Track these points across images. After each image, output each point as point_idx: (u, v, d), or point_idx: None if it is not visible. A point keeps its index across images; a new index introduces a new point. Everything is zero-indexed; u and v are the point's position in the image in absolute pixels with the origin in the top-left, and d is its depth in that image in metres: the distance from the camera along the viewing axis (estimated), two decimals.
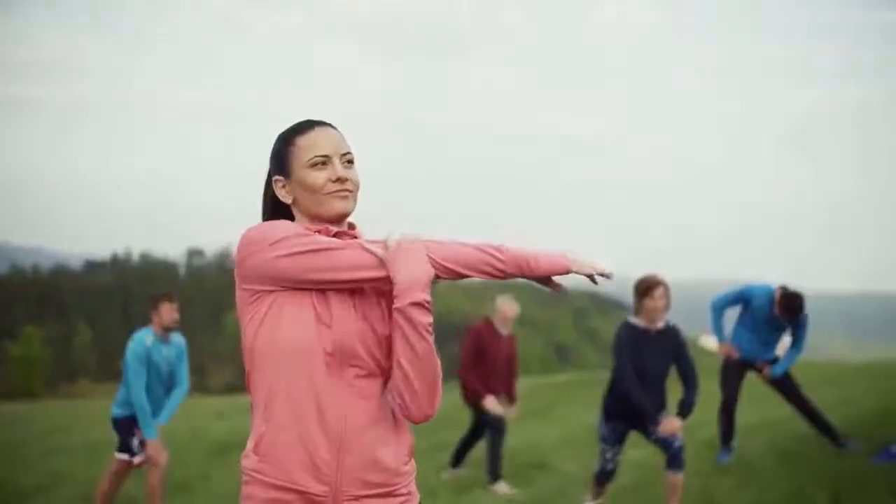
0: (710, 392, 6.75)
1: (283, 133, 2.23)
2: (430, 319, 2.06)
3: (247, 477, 2.12)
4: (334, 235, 2.16)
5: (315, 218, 2.18)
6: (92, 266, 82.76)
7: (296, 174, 2.16)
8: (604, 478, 5.73)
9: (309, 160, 2.15)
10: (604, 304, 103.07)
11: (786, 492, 6.04)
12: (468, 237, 2.17)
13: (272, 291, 2.08)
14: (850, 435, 7.09)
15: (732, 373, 7.13)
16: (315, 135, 2.17)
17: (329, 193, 2.14)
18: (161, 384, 6.29)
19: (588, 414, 10.76)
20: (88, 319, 67.60)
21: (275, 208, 2.24)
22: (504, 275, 2.15)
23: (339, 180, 2.14)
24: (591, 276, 2.19)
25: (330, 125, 2.22)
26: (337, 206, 2.15)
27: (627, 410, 5.45)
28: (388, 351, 2.13)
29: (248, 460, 2.13)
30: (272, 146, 2.25)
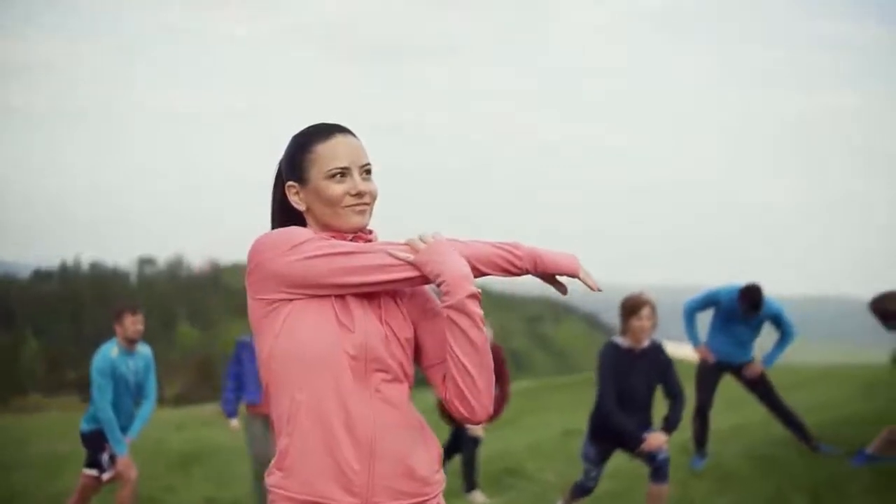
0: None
1: (300, 136, 2.14)
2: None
3: (272, 495, 2.04)
4: (351, 240, 2.09)
5: (329, 229, 2.10)
6: (40, 275, 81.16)
7: (312, 183, 2.08)
8: (582, 492, 5.68)
9: (328, 171, 2.07)
10: (558, 311, 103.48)
11: (764, 496, 6.05)
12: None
13: (290, 300, 2.00)
14: (821, 439, 7.13)
15: (708, 376, 7.14)
16: (335, 143, 2.09)
17: (347, 207, 2.07)
18: (129, 397, 6.14)
19: (555, 420, 10.71)
20: (37, 330, 66.31)
21: (285, 214, 2.16)
22: (519, 272, 2.12)
23: (359, 194, 2.07)
24: (584, 284, 2.17)
25: (349, 132, 2.13)
26: (353, 220, 2.08)
27: (613, 431, 5.38)
28: (411, 355, 2.08)
29: (273, 477, 2.04)
30: (287, 148, 2.16)
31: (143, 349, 6.23)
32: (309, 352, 1.98)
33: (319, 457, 1.97)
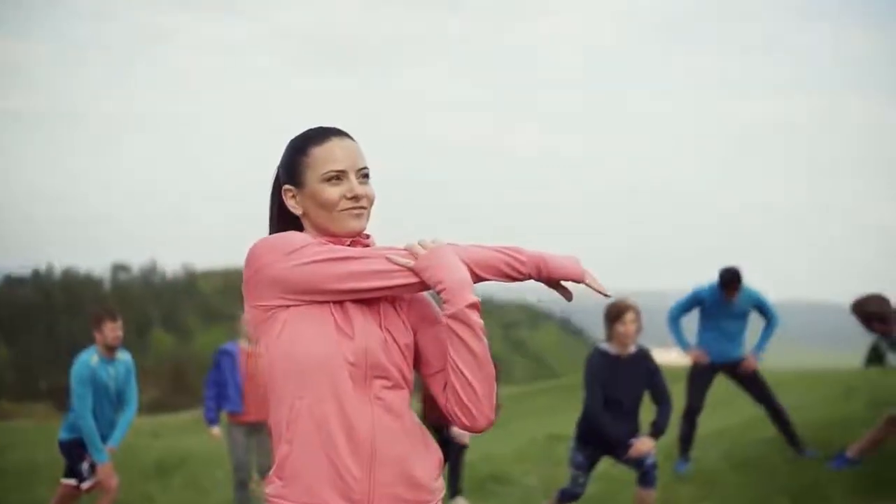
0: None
1: (297, 140, 2.11)
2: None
3: None
4: (349, 245, 2.06)
5: (326, 233, 2.07)
6: (12, 282, 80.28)
7: (309, 187, 2.06)
8: (569, 498, 5.66)
9: (324, 174, 2.04)
10: (535, 316, 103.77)
11: (747, 500, 6.08)
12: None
13: (288, 307, 1.97)
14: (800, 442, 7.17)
15: (700, 379, 7.15)
16: (332, 146, 2.06)
17: (343, 210, 2.04)
18: (110, 405, 6.05)
19: (539, 425, 10.70)
20: (8, 337, 65.58)
21: (283, 218, 2.13)
22: (522, 277, 2.07)
23: (355, 198, 2.04)
24: (591, 289, 2.14)
25: (346, 135, 2.10)
26: (350, 224, 2.05)
27: (601, 438, 5.37)
28: (410, 362, 2.06)
29: (272, 486, 2.00)
30: (284, 152, 2.14)
31: (124, 356, 6.14)
32: (308, 359, 1.95)
33: (320, 464, 1.94)
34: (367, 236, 2.13)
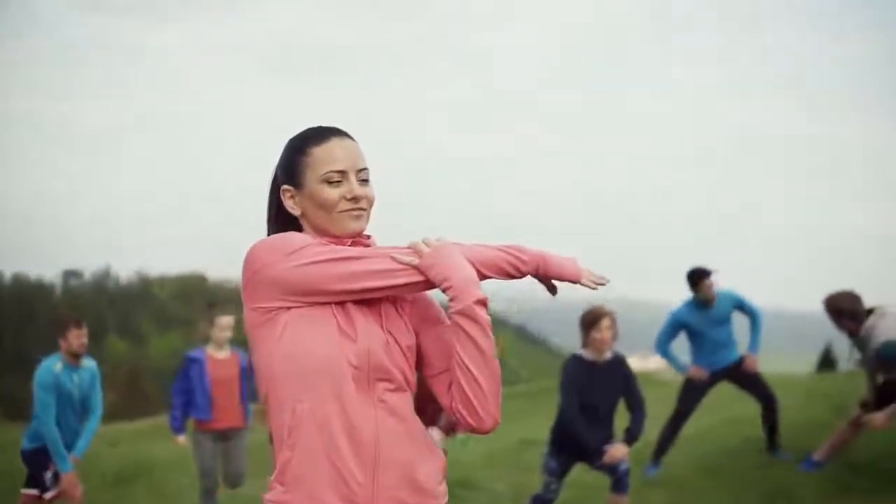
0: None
1: (295, 139, 2.07)
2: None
3: None
4: (350, 245, 2.03)
5: (325, 234, 2.04)
6: None
7: (308, 187, 2.02)
8: (542, 503, 5.65)
9: (323, 174, 2.01)
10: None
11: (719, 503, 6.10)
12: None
13: (288, 308, 1.93)
14: (763, 447, 7.23)
15: (695, 389, 7.15)
16: (331, 146, 2.03)
17: (343, 211, 2.01)
18: (73, 413, 5.94)
19: (508, 431, 10.68)
20: None
21: (281, 219, 2.10)
22: (523, 275, 2.07)
23: (354, 199, 2.01)
24: (587, 287, 2.13)
25: (347, 135, 2.07)
26: (350, 225, 2.03)
27: (575, 445, 5.36)
28: (413, 363, 2.03)
29: (273, 492, 1.96)
30: (282, 151, 2.10)
31: (88, 363, 6.05)
32: (310, 361, 1.91)
33: (323, 468, 1.90)
34: (368, 237, 2.09)
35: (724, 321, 7.06)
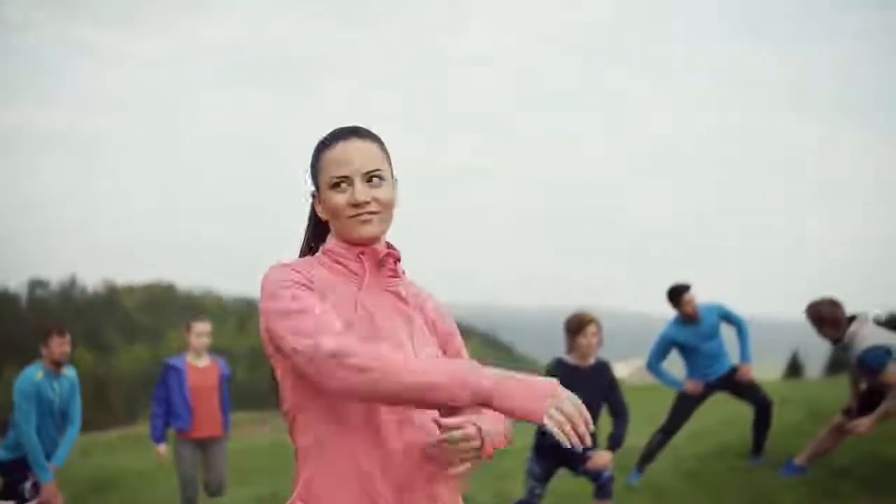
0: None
1: (317, 143, 2.02)
2: None
3: None
4: (380, 261, 1.98)
5: (346, 240, 1.99)
6: None
7: (322, 193, 1.98)
8: None
9: (329, 180, 1.95)
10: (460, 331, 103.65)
11: None
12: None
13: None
14: (742, 452, 7.30)
15: (688, 402, 7.17)
16: (338, 151, 1.96)
17: (349, 218, 1.94)
18: (54, 422, 5.87)
19: None
20: None
21: (317, 224, 2.07)
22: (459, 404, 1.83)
23: (357, 205, 1.93)
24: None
25: (359, 134, 1.99)
26: (358, 231, 1.95)
27: (558, 449, 5.39)
28: None
29: None
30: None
31: (69, 371, 5.99)
32: None
33: (348, 487, 1.86)
34: (389, 245, 2.04)
35: (714, 334, 7.08)
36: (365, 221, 1.94)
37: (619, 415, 5.46)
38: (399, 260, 2.03)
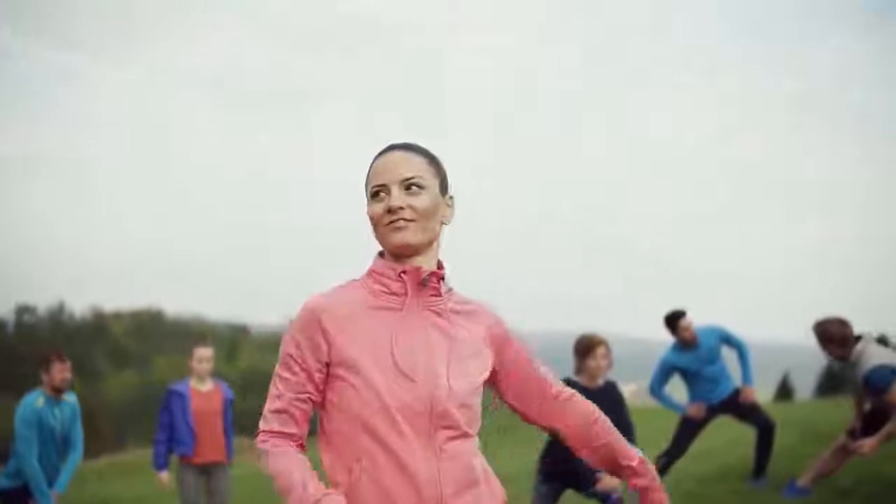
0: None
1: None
2: None
3: None
4: (422, 281, 1.96)
5: (389, 255, 2.00)
6: None
7: (368, 206, 2.00)
8: None
9: (369, 191, 1.97)
10: None
11: None
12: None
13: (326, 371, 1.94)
14: (743, 474, 7.29)
15: (691, 426, 7.19)
16: (379, 162, 1.98)
17: (386, 225, 1.93)
18: (55, 448, 5.87)
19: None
20: None
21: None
22: None
23: (391, 211, 1.92)
24: None
25: (405, 147, 2.00)
26: (391, 238, 1.93)
27: (565, 472, 5.38)
28: (479, 403, 1.97)
29: None
30: None
31: (70, 398, 5.98)
32: (367, 405, 1.86)
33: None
34: (440, 265, 2.02)
35: (714, 357, 7.10)
36: (399, 228, 1.92)
37: (627, 436, 5.46)
38: (442, 278, 2.00)
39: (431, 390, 1.88)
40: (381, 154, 2.00)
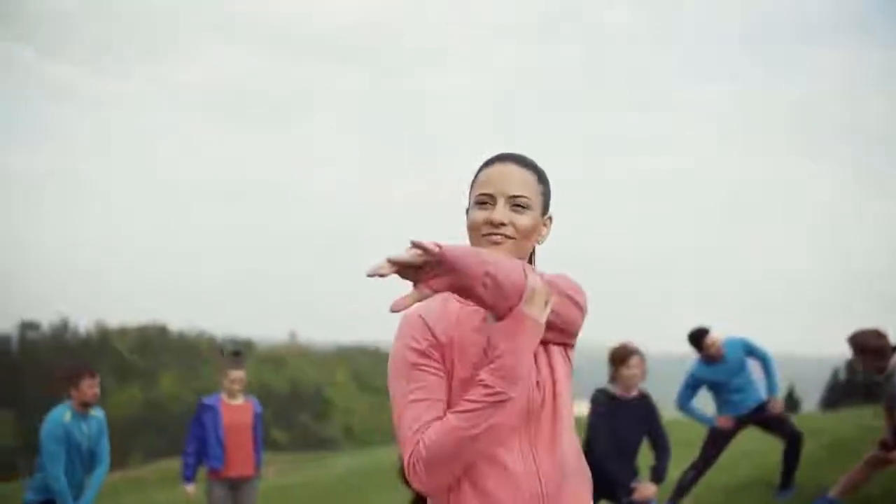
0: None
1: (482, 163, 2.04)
2: None
3: None
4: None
5: None
6: None
7: (469, 210, 1.99)
8: None
9: (475, 197, 1.96)
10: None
11: None
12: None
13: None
14: (770, 485, 7.26)
15: (719, 437, 7.17)
16: (491, 171, 1.97)
17: (483, 235, 1.92)
18: (82, 464, 5.84)
19: None
20: None
21: None
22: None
23: (492, 223, 1.91)
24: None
25: (518, 160, 1.98)
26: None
27: (599, 480, 5.34)
28: (570, 396, 1.96)
29: None
30: None
31: (97, 412, 5.95)
32: None
33: None
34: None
35: (739, 369, 7.10)
36: (496, 243, 1.92)
37: (662, 447, 5.46)
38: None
39: (526, 398, 1.86)
40: (492, 161, 1.99)
